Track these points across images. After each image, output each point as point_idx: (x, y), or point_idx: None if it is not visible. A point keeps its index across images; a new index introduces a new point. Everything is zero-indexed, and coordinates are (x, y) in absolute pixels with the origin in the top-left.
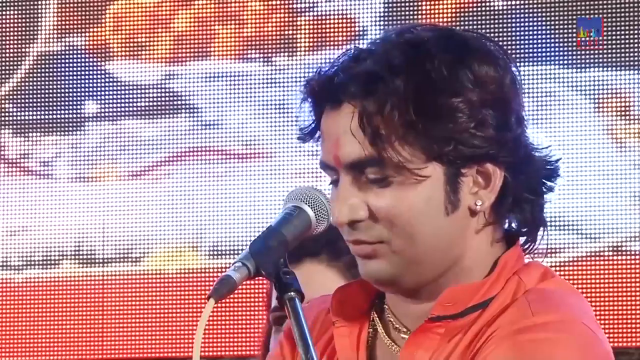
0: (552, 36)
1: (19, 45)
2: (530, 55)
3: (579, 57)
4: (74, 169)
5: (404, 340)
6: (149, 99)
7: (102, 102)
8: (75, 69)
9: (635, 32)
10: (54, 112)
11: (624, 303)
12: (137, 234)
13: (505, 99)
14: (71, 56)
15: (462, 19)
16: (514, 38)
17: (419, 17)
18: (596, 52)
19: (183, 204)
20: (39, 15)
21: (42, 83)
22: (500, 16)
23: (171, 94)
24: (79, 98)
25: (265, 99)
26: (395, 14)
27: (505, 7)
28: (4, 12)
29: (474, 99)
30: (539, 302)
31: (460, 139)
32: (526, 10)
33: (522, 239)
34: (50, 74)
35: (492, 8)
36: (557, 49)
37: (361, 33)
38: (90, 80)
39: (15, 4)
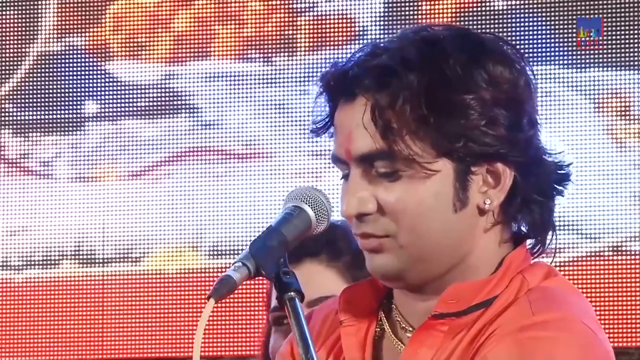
0: (552, 36)
1: (19, 45)
2: (530, 55)
3: (579, 57)
4: (74, 169)
5: (409, 338)
6: (149, 99)
7: (102, 102)
8: (75, 69)
9: (635, 32)
10: (54, 112)
11: (624, 303)
12: (137, 234)
13: (518, 100)
14: (71, 56)
15: (462, 19)
16: (514, 38)
17: (419, 17)
18: (596, 52)
19: (183, 204)
20: (39, 15)
21: (42, 83)
22: (500, 16)
23: (171, 94)
24: (79, 98)
25: (265, 99)
26: (395, 14)
27: (505, 7)
28: (4, 12)
29: (487, 97)
30: (539, 300)
31: (471, 136)
32: (526, 10)
33: (531, 241)
34: (50, 74)
35: (492, 8)
36: (557, 49)
37: (361, 33)
38: (90, 80)
39: (15, 4)
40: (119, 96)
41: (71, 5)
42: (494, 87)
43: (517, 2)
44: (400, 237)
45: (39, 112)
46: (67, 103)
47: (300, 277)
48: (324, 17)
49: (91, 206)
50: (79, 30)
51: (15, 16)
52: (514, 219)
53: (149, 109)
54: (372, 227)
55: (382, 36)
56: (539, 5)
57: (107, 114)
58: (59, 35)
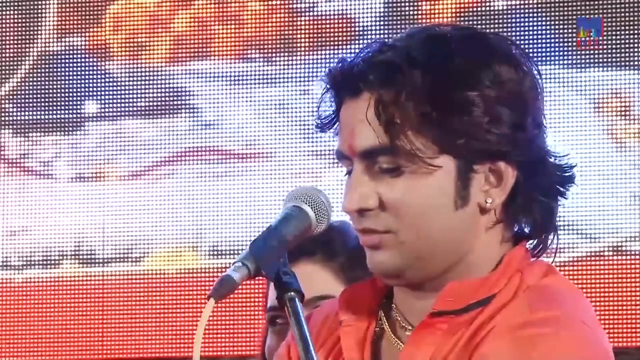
0: (552, 36)
1: (19, 45)
2: (531, 55)
3: (579, 57)
4: (74, 169)
5: (408, 337)
6: (149, 99)
7: (102, 102)
8: (75, 69)
9: (635, 32)
10: (54, 112)
11: (624, 303)
12: (137, 234)
13: (522, 100)
14: (71, 56)
15: (462, 19)
16: (514, 38)
17: (419, 17)
18: (596, 52)
19: (183, 204)
20: (39, 15)
21: (42, 83)
22: (500, 16)
23: (171, 94)
24: (79, 98)
25: (265, 99)
26: (395, 14)
27: (505, 7)
28: (4, 12)
29: (491, 96)
30: (537, 298)
31: (474, 133)
32: (526, 10)
33: (532, 242)
34: (50, 74)
35: (492, 8)
36: (557, 49)
37: (361, 33)
38: (90, 80)
39: (15, 4)
40: (119, 96)
41: (71, 5)
42: (499, 85)
43: (517, 2)
44: (401, 234)
45: (39, 112)
46: (67, 103)
47: None
48: (324, 17)
49: (91, 206)
50: (79, 30)
51: (15, 16)
52: (515, 218)
53: (149, 109)
54: (373, 222)
55: (382, 36)
56: (539, 5)
57: (107, 114)
58: (59, 35)
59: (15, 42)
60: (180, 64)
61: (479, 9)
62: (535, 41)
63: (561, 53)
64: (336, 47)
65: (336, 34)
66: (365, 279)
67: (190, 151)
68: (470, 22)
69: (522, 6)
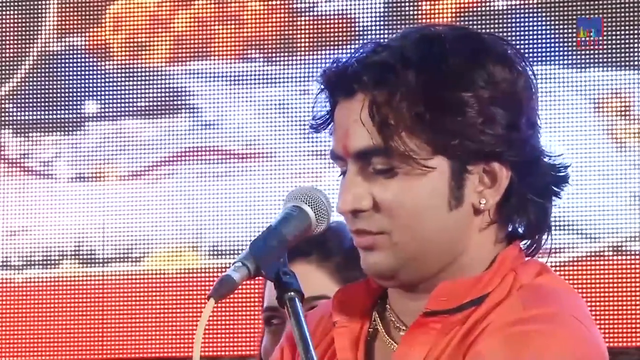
0: (552, 36)
1: (19, 45)
2: (530, 55)
3: (579, 57)
4: (74, 169)
5: (402, 337)
6: (149, 99)
7: (102, 102)
8: (75, 69)
9: (635, 32)
10: (54, 112)
11: (624, 303)
12: (137, 234)
13: (516, 100)
14: (71, 56)
15: (462, 19)
16: (514, 38)
17: (419, 17)
18: (596, 52)
19: (183, 204)
20: (39, 15)
21: (42, 83)
22: (501, 16)
23: (171, 94)
24: (79, 98)
25: (265, 99)
26: (395, 14)
27: (505, 7)
28: (4, 12)
29: (485, 96)
30: (531, 296)
31: (467, 134)
32: (526, 10)
33: (526, 242)
34: (50, 74)
35: (492, 8)
36: (557, 49)
37: (361, 33)
38: (90, 80)
39: (16, 4)
40: (119, 96)
41: (71, 5)
42: (493, 86)
43: (517, 2)
44: (395, 234)
45: (39, 112)
46: (67, 103)
47: None
48: (324, 17)
49: (91, 206)
50: (79, 30)
51: (16, 16)
52: (509, 219)
53: (149, 109)
54: (366, 223)
55: (382, 36)
56: (539, 5)
57: (107, 114)
58: (59, 35)
59: (15, 42)
60: (180, 64)
61: (479, 9)
62: (535, 41)
63: (561, 53)
64: (336, 47)
65: (336, 34)
66: (360, 280)
67: (190, 151)
68: (470, 22)
69: (522, 6)
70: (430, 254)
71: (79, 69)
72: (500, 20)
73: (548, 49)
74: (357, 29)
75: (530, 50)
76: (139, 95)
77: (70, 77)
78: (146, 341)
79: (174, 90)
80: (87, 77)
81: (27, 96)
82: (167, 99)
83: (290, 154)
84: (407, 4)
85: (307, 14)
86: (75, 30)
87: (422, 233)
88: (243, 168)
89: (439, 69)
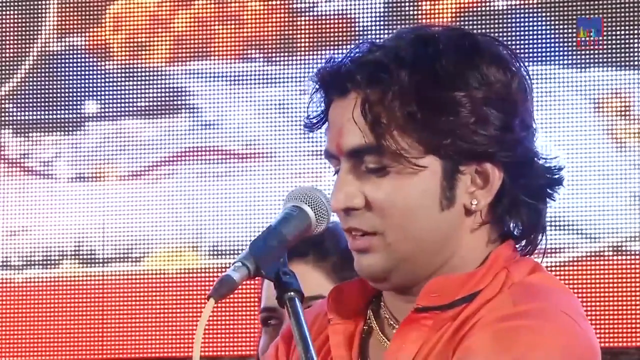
0: (552, 36)
1: (19, 45)
2: (530, 55)
3: (579, 57)
4: (74, 169)
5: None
6: (149, 99)
7: (102, 102)
8: (75, 69)
9: (635, 32)
10: (54, 112)
11: (624, 303)
12: (137, 234)
13: (510, 101)
14: (71, 56)
15: (462, 19)
16: (514, 38)
17: (419, 17)
18: (596, 52)
19: (183, 204)
20: (39, 15)
21: (42, 83)
22: (500, 16)
23: (171, 94)
24: (79, 98)
25: (265, 99)
26: (395, 14)
27: (505, 7)
28: (4, 12)
29: (478, 96)
30: (522, 293)
31: (460, 134)
32: (526, 10)
33: (521, 243)
34: (50, 74)
35: (492, 8)
36: (557, 49)
37: (361, 33)
38: (90, 80)
39: (16, 4)
40: (119, 96)
41: (71, 5)
42: (486, 87)
43: (517, 2)
44: (387, 235)
45: (39, 112)
46: (67, 103)
47: None
48: (324, 17)
49: (91, 206)
50: (79, 30)
51: (16, 16)
52: (501, 220)
53: (149, 109)
54: (358, 222)
55: (382, 36)
56: (539, 5)
57: (107, 114)
58: (59, 35)
59: (15, 42)
60: (180, 64)
61: (479, 9)
62: (535, 41)
63: (561, 53)
64: (336, 47)
65: (336, 34)
66: (356, 278)
67: (190, 151)
68: (470, 22)
69: (522, 6)
70: (422, 254)
71: (79, 69)
72: (500, 20)
73: (548, 49)
74: (357, 29)
75: (530, 50)
76: (139, 95)
77: (70, 77)
78: (146, 341)
79: (174, 90)
80: (87, 77)
81: (27, 96)
82: (167, 99)
83: (290, 154)
84: (407, 4)
85: (307, 14)
86: (75, 30)
87: (414, 232)
88: (243, 168)
89: (432, 68)
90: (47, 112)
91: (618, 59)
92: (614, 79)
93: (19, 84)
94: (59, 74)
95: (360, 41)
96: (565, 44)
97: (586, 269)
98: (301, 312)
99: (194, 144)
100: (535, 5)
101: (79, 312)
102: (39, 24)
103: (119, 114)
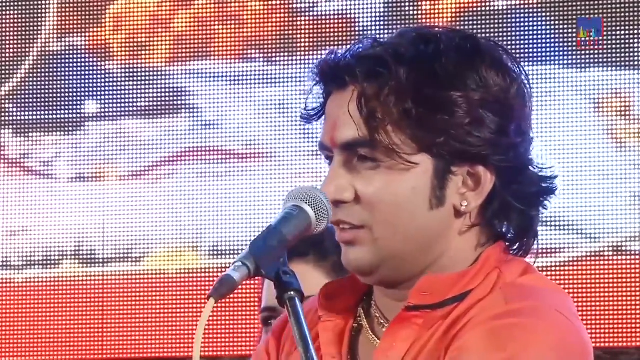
0: (552, 36)
1: (19, 45)
2: (530, 55)
3: (579, 57)
4: (74, 169)
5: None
6: (149, 99)
7: (102, 102)
8: (75, 69)
9: (635, 32)
10: (54, 112)
11: (624, 303)
12: (137, 234)
13: (507, 106)
14: (71, 56)
15: (462, 19)
16: (514, 38)
17: (419, 17)
18: (596, 52)
19: (183, 204)
20: (39, 15)
21: (42, 83)
22: (500, 16)
23: (171, 94)
24: (79, 98)
25: (265, 99)
26: (395, 14)
27: (505, 7)
28: (4, 12)
29: (475, 98)
30: (513, 292)
31: (454, 134)
32: (526, 10)
33: (513, 246)
34: (50, 74)
35: (492, 8)
36: (557, 49)
37: (361, 33)
38: (90, 80)
39: (16, 4)
40: (119, 96)
41: (71, 5)
42: (484, 89)
43: (517, 2)
44: (375, 229)
45: (39, 112)
46: (67, 103)
47: None
48: (324, 17)
49: (91, 206)
50: (79, 30)
51: (16, 16)
52: (491, 223)
53: (149, 109)
54: (347, 215)
55: (382, 36)
56: (539, 5)
57: (107, 114)
58: (59, 35)
59: (15, 42)
60: (180, 64)
61: (479, 9)
62: (535, 41)
63: (561, 53)
64: (336, 47)
65: (336, 34)
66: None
67: (190, 151)
68: (470, 22)
69: (522, 6)
70: (410, 252)
71: (79, 69)
72: (500, 20)
73: (548, 49)
74: (357, 29)
75: (530, 50)
76: (139, 95)
77: (70, 77)
78: (146, 341)
79: (174, 90)
80: (87, 77)
81: (27, 96)
82: (167, 99)
83: (290, 154)
84: (407, 4)
85: (307, 14)
86: (75, 30)
87: (402, 229)
88: (243, 168)
89: (431, 67)
90: (47, 112)
91: (618, 59)
92: (614, 79)
93: (19, 84)
94: (59, 74)
95: (363, 37)
96: (565, 44)
97: (586, 269)
98: (301, 312)
99: (194, 144)
100: (535, 5)
101: (79, 312)
102: (39, 24)
103: (119, 114)
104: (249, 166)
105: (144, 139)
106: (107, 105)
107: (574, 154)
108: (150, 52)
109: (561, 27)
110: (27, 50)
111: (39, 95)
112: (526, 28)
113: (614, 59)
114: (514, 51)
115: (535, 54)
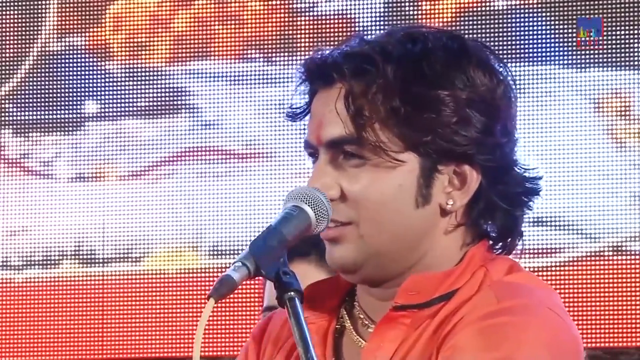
0: (552, 36)
1: (19, 45)
2: (530, 55)
3: (579, 57)
4: (74, 169)
5: (371, 333)
6: (149, 99)
7: (102, 102)
8: (75, 69)
9: (635, 32)
10: (54, 112)
11: (624, 303)
12: (137, 234)
13: (493, 106)
14: (71, 56)
15: (462, 19)
16: (514, 38)
17: (419, 17)
18: (596, 52)
19: (183, 204)
20: (39, 15)
21: (42, 83)
22: (500, 16)
23: (171, 94)
24: (79, 98)
25: (265, 99)
26: (395, 14)
27: (505, 7)
28: (4, 12)
29: (461, 97)
30: (503, 289)
31: (441, 132)
32: (526, 10)
33: (498, 245)
34: (50, 74)
35: (492, 8)
36: (557, 49)
37: (361, 33)
38: (90, 80)
39: (16, 4)
40: (119, 96)
41: (71, 5)
42: (471, 89)
43: (517, 2)
44: (361, 226)
45: (39, 112)
46: (67, 103)
47: None
48: (324, 17)
49: (91, 206)
50: (79, 30)
51: (16, 16)
52: (476, 223)
53: (149, 109)
54: (333, 212)
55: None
56: (539, 5)
57: (107, 114)
58: (59, 35)
59: (15, 42)
60: (180, 64)
61: (479, 9)
62: (535, 41)
63: (561, 53)
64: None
65: (336, 34)
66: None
67: (190, 151)
68: (470, 22)
69: (522, 6)
70: (395, 250)
71: (79, 69)
72: (500, 20)
73: (548, 49)
74: (357, 29)
75: (530, 50)
76: (139, 95)
77: (70, 77)
78: (146, 341)
79: (174, 90)
80: (87, 77)
81: (27, 96)
82: (167, 99)
83: (290, 154)
84: (407, 4)
85: (307, 14)
86: (75, 30)
87: (387, 227)
88: (243, 168)
89: (419, 66)
90: (47, 112)
91: (618, 59)
92: (614, 79)
93: (19, 84)
94: (59, 74)
95: (351, 35)
96: (565, 44)
97: (586, 269)
98: (301, 312)
99: (194, 144)
100: (535, 5)
101: (79, 312)
102: (39, 24)
103: (119, 114)
104: (249, 166)
105: (144, 139)
106: (107, 105)
107: (574, 154)
108: (150, 52)
109: (561, 27)
110: (27, 50)
111: (39, 95)
112: (526, 28)
113: (614, 59)
114: (514, 51)
115: (535, 54)
